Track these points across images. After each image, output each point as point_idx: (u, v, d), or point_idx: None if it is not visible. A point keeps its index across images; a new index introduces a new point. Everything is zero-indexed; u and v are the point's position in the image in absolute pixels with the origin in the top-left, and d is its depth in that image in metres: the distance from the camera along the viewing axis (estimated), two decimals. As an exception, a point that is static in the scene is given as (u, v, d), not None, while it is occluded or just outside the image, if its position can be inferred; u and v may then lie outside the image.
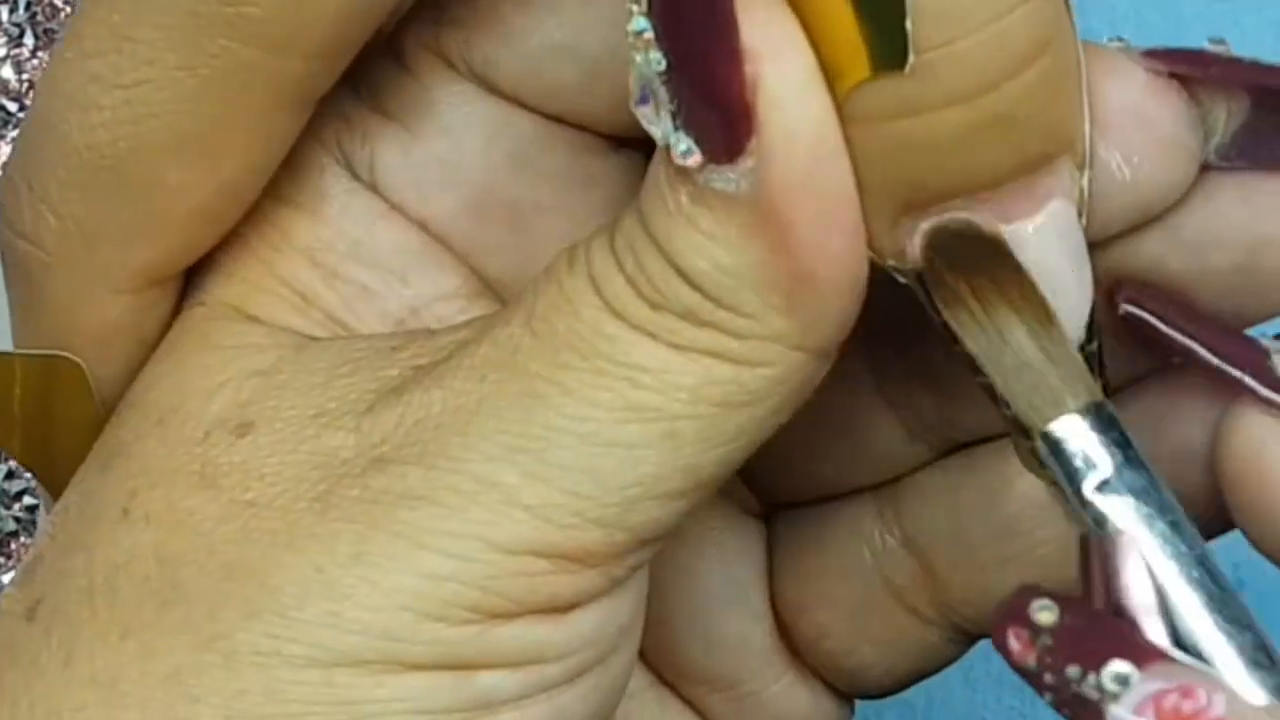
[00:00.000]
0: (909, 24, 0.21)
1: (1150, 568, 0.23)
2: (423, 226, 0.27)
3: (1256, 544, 0.25)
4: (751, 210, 0.23)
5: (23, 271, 0.27)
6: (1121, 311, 0.25)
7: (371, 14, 0.25)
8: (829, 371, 0.24)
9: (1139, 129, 0.24)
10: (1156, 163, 0.24)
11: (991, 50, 0.22)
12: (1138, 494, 0.23)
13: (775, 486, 0.30)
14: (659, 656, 0.30)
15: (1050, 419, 0.24)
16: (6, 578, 0.74)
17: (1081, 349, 0.24)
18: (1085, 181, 0.24)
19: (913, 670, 0.30)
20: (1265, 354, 0.25)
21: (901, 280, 0.24)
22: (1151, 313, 0.25)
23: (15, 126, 0.77)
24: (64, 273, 0.26)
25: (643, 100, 0.23)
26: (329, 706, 0.23)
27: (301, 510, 0.24)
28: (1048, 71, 0.22)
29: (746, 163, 0.22)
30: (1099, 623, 0.23)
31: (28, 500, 0.73)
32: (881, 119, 0.22)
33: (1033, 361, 0.24)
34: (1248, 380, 0.24)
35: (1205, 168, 0.25)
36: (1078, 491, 0.24)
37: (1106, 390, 0.24)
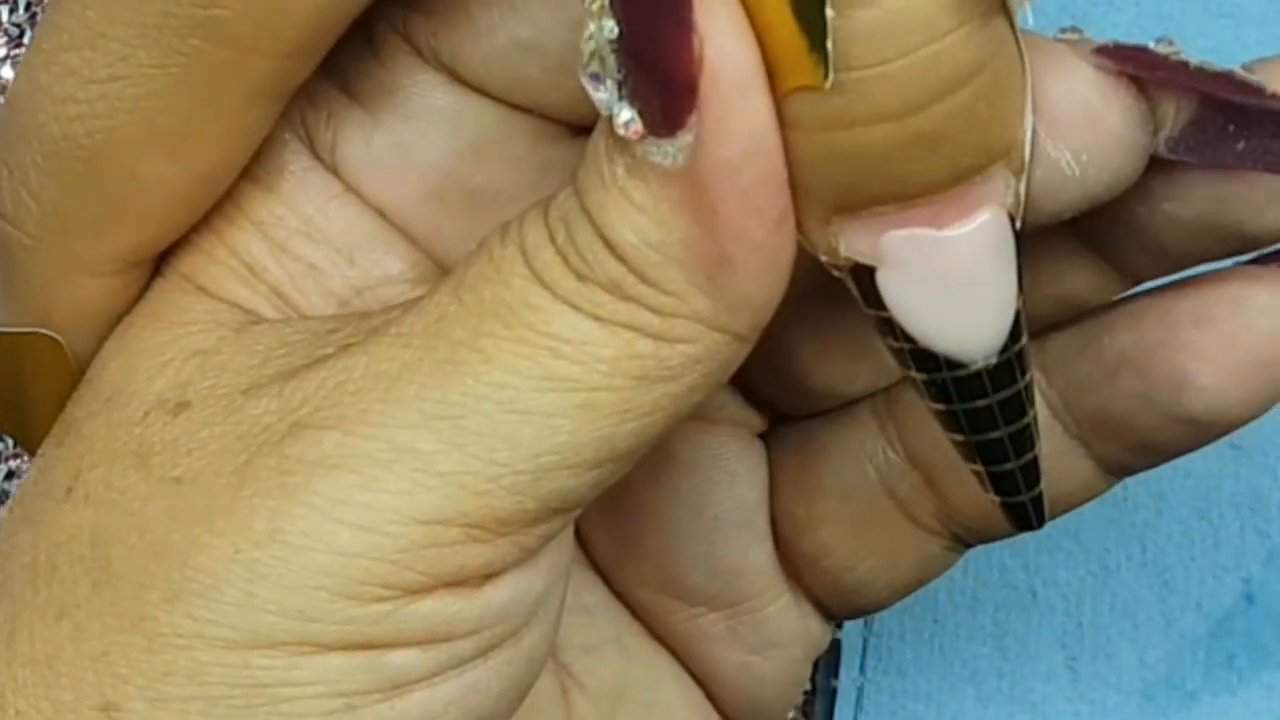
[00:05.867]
0: (829, 44, 0.22)
1: None
2: (380, 212, 0.28)
3: None
4: (683, 186, 0.23)
5: (5, 250, 0.27)
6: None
7: (346, 12, 0.25)
8: (825, 281, 0.24)
9: (1088, 127, 0.24)
10: (1105, 159, 0.25)
11: (922, 73, 0.22)
12: None
13: (778, 399, 0.31)
14: (660, 582, 0.31)
15: None
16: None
17: (1004, 350, 0.24)
18: (1023, 187, 0.24)
19: (910, 582, 0.31)
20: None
21: (835, 273, 0.24)
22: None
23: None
24: (43, 255, 0.27)
25: (590, 69, 0.23)
26: (247, 690, 0.24)
27: (221, 487, 0.25)
28: (981, 92, 0.23)
29: (685, 137, 0.23)
30: None
31: (28, 500, 0.73)
32: (813, 127, 0.23)
33: None
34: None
35: (1154, 159, 0.25)
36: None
37: (1029, 388, 0.25)
